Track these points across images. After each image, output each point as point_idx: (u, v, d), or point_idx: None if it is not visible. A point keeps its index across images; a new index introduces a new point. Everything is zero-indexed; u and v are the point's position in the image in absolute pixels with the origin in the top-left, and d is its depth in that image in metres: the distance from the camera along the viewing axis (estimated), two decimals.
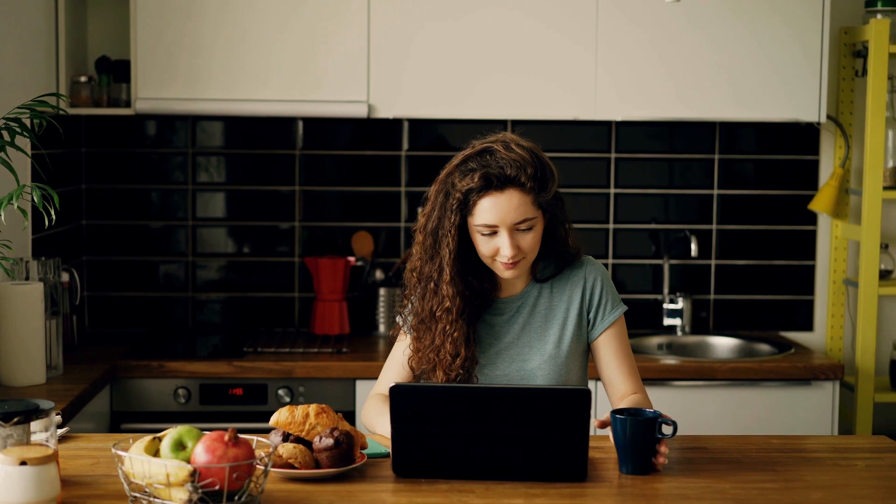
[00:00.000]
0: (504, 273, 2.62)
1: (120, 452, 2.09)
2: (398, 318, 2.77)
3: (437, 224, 2.62)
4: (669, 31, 4.01)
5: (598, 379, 2.85)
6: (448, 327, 2.62)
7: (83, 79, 4.02)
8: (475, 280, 2.67)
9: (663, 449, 2.37)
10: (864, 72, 4.21)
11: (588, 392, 2.25)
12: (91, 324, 4.32)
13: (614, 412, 2.40)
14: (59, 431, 2.59)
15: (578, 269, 2.73)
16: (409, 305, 2.72)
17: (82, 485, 2.25)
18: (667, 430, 2.37)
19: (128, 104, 4.05)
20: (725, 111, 4.06)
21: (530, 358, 2.68)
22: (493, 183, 2.56)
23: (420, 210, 2.72)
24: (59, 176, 3.96)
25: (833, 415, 3.88)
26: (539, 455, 2.27)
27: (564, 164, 4.34)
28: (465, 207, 2.58)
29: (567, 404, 2.26)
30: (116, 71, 4.08)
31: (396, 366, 2.75)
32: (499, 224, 2.56)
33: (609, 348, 2.70)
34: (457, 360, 2.62)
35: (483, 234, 2.59)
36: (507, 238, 2.57)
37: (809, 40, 4.03)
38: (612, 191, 4.38)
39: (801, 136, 4.40)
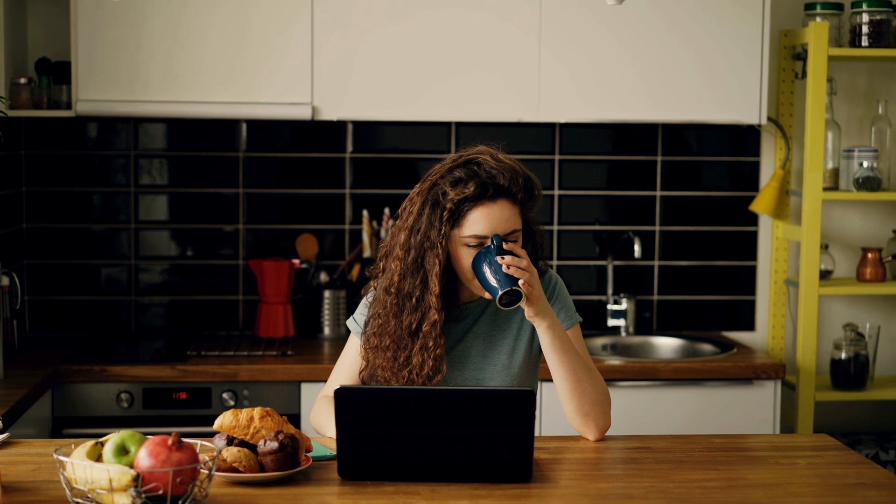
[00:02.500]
0: (481, 291, 2.58)
1: (62, 458, 2.07)
2: (350, 322, 2.74)
3: (423, 237, 2.56)
4: (613, 35, 4.03)
5: (548, 380, 2.85)
6: (431, 343, 2.57)
7: (23, 80, 3.98)
8: (446, 299, 2.63)
9: (507, 259, 2.45)
10: (804, 74, 4.25)
11: (532, 393, 2.26)
12: (32, 328, 4.27)
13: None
14: (0, 437, 2.56)
15: None
16: (377, 322, 2.64)
17: (24, 491, 2.22)
18: (506, 247, 2.48)
19: (68, 106, 4.01)
20: (667, 113, 4.09)
21: (483, 367, 2.67)
22: (489, 192, 2.53)
23: (394, 225, 2.65)
24: None
25: (775, 414, 3.92)
26: (484, 456, 2.28)
27: None
28: (455, 218, 2.54)
29: (511, 405, 2.27)
30: (57, 72, 4.03)
31: (347, 369, 2.73)
32: (489, 234, 2.54)
33: None
34: (436, 377, 2.58)
35: (469, 246, 2.55)
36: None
37: (750, 43, 4.07)
38: (557, 192, 4.40)
39: (743, 138, 4.45)
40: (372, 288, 2.70)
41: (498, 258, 2.47)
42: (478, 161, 2.57)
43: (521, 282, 2.45)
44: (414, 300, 2.58)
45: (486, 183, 2.53)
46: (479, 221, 2.53)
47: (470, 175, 2.54)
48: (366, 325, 2.68)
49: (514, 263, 2.46)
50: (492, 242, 2.49)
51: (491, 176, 2.54)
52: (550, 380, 2.66)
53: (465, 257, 2.56)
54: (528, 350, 2.69)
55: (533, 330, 2.68)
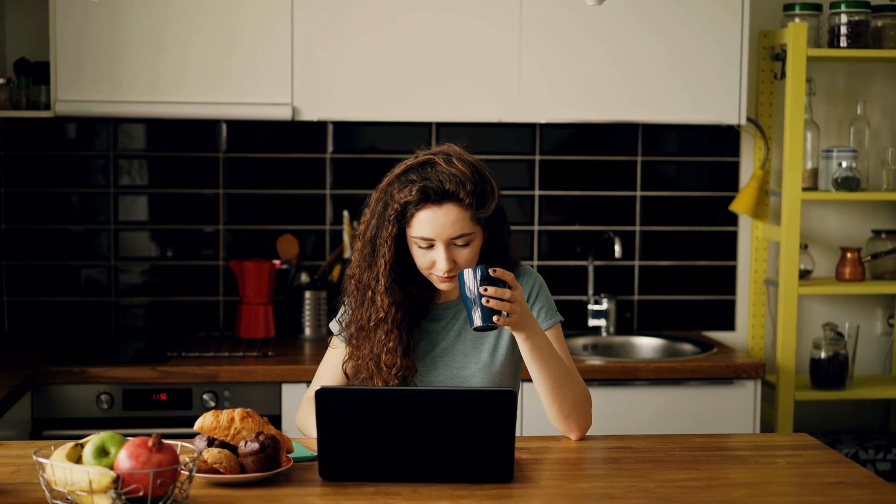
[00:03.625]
0: (440, 285, 2.61)
1: (41, 459, 2.07)
2: (333, 325, 2.75)
3: (374, 233, 2.60)
4: (592, 36, 4.04)
5: (531, 380, 2.85)
6: (384, 337, 2.60)
7: (1, 81, 3.96)
8: (415, 288, 2.65)
9: (490, 291, 2.43)
10: (783, 75, 4.27)
11: (513, 393, 2.26)
12: (11, 329, 4.26)
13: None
14: None
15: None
16: (347, 312, 2.69)
17: (3, 493, 2.21)
18: (495, 274, 2.44)
19: (47, 106, 4.00)
20: (647, 114, 4.10)
21: (465, 365, 2.68)
22: (431, 197, 2.54)
23: (361, 217, 2.69)
24: None
25: (755, 413, 3.93)
26: (465, 456, 2.28)
27: (489, 166, 4.35)
28: (403, 218, 2.57)
29: (493, 406, 2.27)
30: (36, 73, 4.01)
31: (330, 371, 2.73)
32: (435, 238, 2.55)
33: None
34: (393, 370, 2.60)
35: (420, 247, 2.57)
36: (444, 252, 2.56)
37: (729, 44, 4.08)
38: (537, 192, 4.41)
39: (722, 139, 4.46)
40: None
41: (481, 288, 2.46)
42: (432, 162, 2.58)
43: (497, 318, 2.45)
44: (369, 293, 2.62)
45: (429, 189, 2.54)
46: (425, 224, 2.55)
47: (419, 178, 2.56)
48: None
49: (496, 296, 2.45)
50: (476, 271, 2.47)
51: (439, 181, 2.54)
52: (532, 380, 2.66)
53: (419, 256, 2.59)
54: (511, 348, 2.70)
55: None
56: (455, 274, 2.58)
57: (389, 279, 2.59)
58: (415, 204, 2.54)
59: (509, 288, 2.46)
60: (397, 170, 2.62)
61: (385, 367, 2.61)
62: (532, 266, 4.35)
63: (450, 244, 2.56)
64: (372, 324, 2.61)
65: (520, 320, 2.49)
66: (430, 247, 2.57)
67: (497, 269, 2.46)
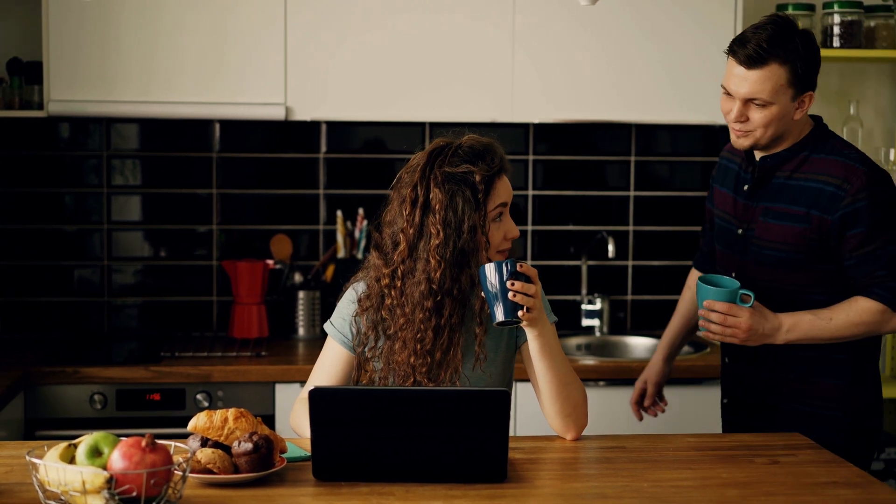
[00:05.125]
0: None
1: (34, 460, 2.06)
2: (328, 326, 2.72)
3: (468, 224, 2.54)
4: (586, 36, 4.04)
5: (524, 380, 2.85)
6: (478, 329, 2.60)
7: None
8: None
9: (510, 285, 2.44)
10: None
11: (507, 394, 2.26)
12: (4, 329, 4.25)
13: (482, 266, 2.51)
14: None
15: None
16: (386, 328, 2.61)
17: None
18: (520, 269, 2.46)
19: (40, 106, 3.99)
20: (641, 114, 4.11)
21: (464, 360, 2.67)
22: (503, 164, 2.62)
23: (397, 231, 2.58)
24: None
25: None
26: (459, 456, 2.28)
27: None
28: (487, 192, 2.58)
29: (486, 406, 2.27)
30: (28, 73, 4.01)
31: (325, 371, 2.71)
32: (507, 200, 2.63)
33: None
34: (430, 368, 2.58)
35: (496, 221, 2.60)
36: (508, 217, 2.64)
37: (723, 43, 4.04)
38: (531, 192, 4.41)
39: (715, 139, 4.46)
40: (351, 288, 2.70)
41: (508, 283, 2.47)
42: (470, 144, 2.62)
43: (521, 313, 2.47)
44: (456, 292, 2.56)
45: (501, 157, 2.63)
46: (501, 189, 2.61)
47: (482, 152, 2.60)
48: (360, 332, 2.64)
49: (523, 290, 2.47)
50: (505, 265, 2.48)
51: (498, 154, 2.63)
52: (525, 380, 2.66)
53: (496, 230, 2.61)
54: (508, 342, 2.70)
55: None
56: None
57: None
58: (496, 174, 2.59)
59: (532, 283, 2.49)
60: (442, 159, 2.58)
61: (460, 368, 2.59)
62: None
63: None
64: (455, 322, 2.57)
65: (538, 316, 2.51)
66: (500, 216, 2.62)
67: (523, 263, 2.49)
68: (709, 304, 2.77)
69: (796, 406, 2.93)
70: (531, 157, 4.40)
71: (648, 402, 3.33)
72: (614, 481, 2.36)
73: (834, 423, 2.89)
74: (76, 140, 4.25)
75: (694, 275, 3.30)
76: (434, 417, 2.27)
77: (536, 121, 4.08)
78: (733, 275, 2.93)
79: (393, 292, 2.59)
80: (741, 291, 2.77)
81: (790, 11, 4.20)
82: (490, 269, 2.47)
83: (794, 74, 2.76)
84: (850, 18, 4.15)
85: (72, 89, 3.90)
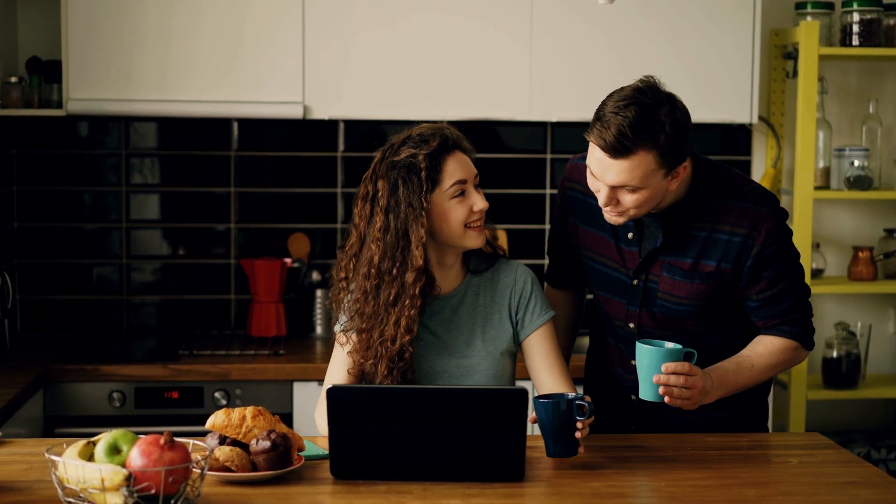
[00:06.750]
0: (476, 240, 2.65)
1: (54, 457, 2.07)
2: (338, 328, 2.74)
3: (405, 208, 2.59)
4: (604, 34, 4.03)
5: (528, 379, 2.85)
6: (408, 302, 2.60)
7: (13, 79, 3.97)
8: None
9: (579, 426, 2.40)
10: (795, 73, 4.26)
11: (525, 392, 2.26)
12: (24, 328, 4.27)
13: (537, 397, 2.42)
14: None
15: (509, 271, 2.75)
16: (355, 308, 2.67)
17: (16, 490, 2.22)
18: (585, 410, 2.41)
19: (59, 105, 4.00)
20: None
21: (469, 354, 2.69)
22: (448, 143, 2.63)
23: (352, 224, 2.68)
24: None
25: (767, 412, 3.91)
26: (476, 455, 2.28)
27: (501, 165, 4.36)
28: (434, 174, 2.60)
29: (504, 404, 2.27)
30: (48, 71, 4.02)
31: (339, 369, 2.73)
32: (467, 178, 2.63)
33: (539, 349, 2.72)
34: (407, 338, 2.60)
35: (454, 197, 2.61)
36: (474, 191, 2.64)
37: (741, 42, 4.07)
38: (548, 191, 4.40)
39: (734, 138, 4.45)
40: (336, 298, 2.74)
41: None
42: (419, 132, 2.66)
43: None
44: (394, 271, 2.61)
45: (445, 135, 2.63)
46: (455, 167, 2.62)
47: (421, 139, 2.63)
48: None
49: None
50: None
51: (442, 135, 2.63)
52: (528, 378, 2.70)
53: (455, 209, 2.62)
54: (511, 335, 2.72)
55: (510, 319, 2.73)
56: (483, 217, 2.65)
57: (425, 249, 2.60)
58: (440, 153, 2.60)
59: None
60: (389, 151, 2.67)
61: (403, 335, 2.59)
62: (544, 267, 4.36)
63: (475, 184, 2.65)
64: (391, 300, 2.60)
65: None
66: (462, 193, 2.63)
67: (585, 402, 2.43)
68: (668, 368, 2.49)
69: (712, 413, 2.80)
70: (549, 156, 4.40)
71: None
72: (632, 480, 2.35)
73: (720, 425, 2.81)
74: (95, 139, 4.26)
75: (552, 291, 3.00)
76: (452, 416, 2.27)
77: (554, 119, 4.07)
78: (631, 326, 2.77)
79: (344, 283, 2.70)
80: (685, 350, 2.56)
81: (809, 10, 4.19)
82: (554, 407, 2.41)
83: (663, 156, 2.49)
84: (869, 17, 4.13)
85: (91, 88, 3.91)
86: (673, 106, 2.53)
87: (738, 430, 2.77)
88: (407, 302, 2.60)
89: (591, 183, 2.59)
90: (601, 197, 2.56)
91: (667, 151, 2.49)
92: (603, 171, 2.52)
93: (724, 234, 2.64)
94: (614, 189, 2.53)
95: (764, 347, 2.69)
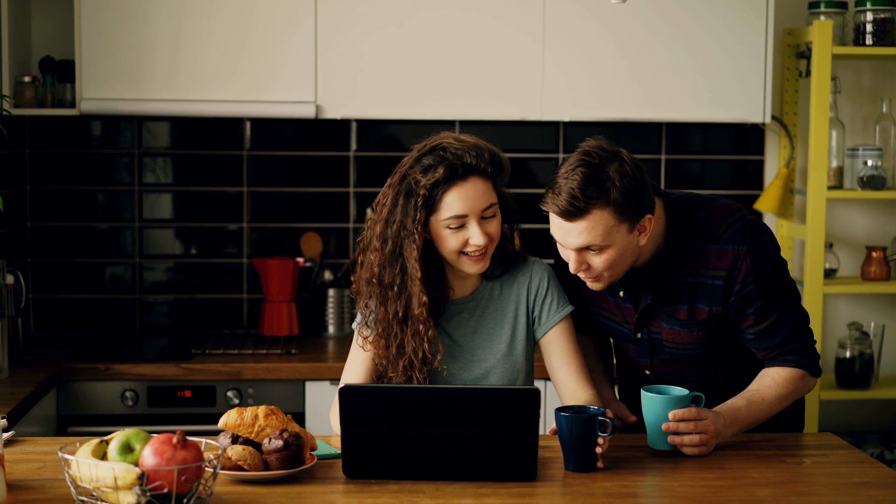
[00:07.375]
0: (471, 268, 2.62)
1: (67, 456, 2.08)
2: (355, 325, 2.74)
3: (399, 227, 2.59)
4: (616, 34, 4.03)
5: (547, 379, 2.86)
6: (422, 327, 2.60)
7: (27, 79, 3.98)
8: (431, 284, 2.66)
9: (600, 441, 2.38)
10: (808, 73, 4.25)
11: (537, 392, 2.26)
12: (37, 327, 4.28)
13: (558, 410, 2.41)
14: (5, 435, 2.56)
15: (525, 269, 2.75)
16: (367, 314, 2.68)
17: (29, 489, 2.22)
18: (606, 427, 2.38)
19: (72, 104, 4.01)
20: (671, 112, 4.09)
21: (485, 358, 2.69)
22: (458, 172, 2.57)
23: (371, 218, 2.69)
24: (2, 177, 3.92)
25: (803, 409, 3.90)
26: (489, 455, 2.28)
27: (513, 164, 4.33)
28: (431, 203, 2.57)
29: (516, 404, 2.27)
30: (61, 71, 4.03)
31: (355, 369, 2.73)
32: (468, 213, 2.57)
33: (557, 346, 2.71)
34: (437, 357, 2.61)
35: (450, 228, 2.58)
36: (477, 227, 2.58)
37: (754, 42, 4.06)
38: None
39: (747, 137, 4.44)
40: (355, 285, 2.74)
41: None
42: (442, 146, 2.61)
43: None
44: (395, 288, 2.61)
45: (454, 164, 2.57)
46: (456, 202, 2.57)
47: (438, 160, 2.58)
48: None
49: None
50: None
51: (457, 157, 2.57)
52: (548, 378, 2.69)
53: (448, 239, 2.59)
54: (526, 338, 2.73)
55: (527, 318, 2.73)
56: (487, 248, 2.60)
57: (422, 268, 2.58)
58: (443, 184, 2.56)
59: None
60: (407, 162, 2.64)
61: (425, 358, 2.60)
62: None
63: (480, 218, 2.59)
64: (415, 312, 2.60)
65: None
66: (461, 226, 2.58)
67: (608, 419, 2.41)
68: (675, 416, 2.48)
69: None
70: (561, 155, 4.39)
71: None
72: (645, 480, 2.35)
73: None
74: (108, 138, 4.27)
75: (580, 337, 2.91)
76: (464, 415, 2.26)
77: (567, 119, 4.07)
78: (647, 372, 2.78)
79: (357, 281, 2.70)
80: (693, 394, 2.55)
81: (822, 9, 4.18)
82: (577, 422, 2.37)
83: (620, 211, 2.49)
84: (882, 16, 4.12)
85: (104, 87, 3.91)
86: (621, 161, 2.53)
87: (776, 428, 2.79)
88: (420, 327, 2.60)
89: (561, 252, 2.61)
90: (571, 263, 2.57)
91: (622, 206, 2.50)
92: (564, 236, 2.54)
93: (707, 279, 2.65)
94: (581, 252, 2.54)
95: (771, 379, 2.68)
